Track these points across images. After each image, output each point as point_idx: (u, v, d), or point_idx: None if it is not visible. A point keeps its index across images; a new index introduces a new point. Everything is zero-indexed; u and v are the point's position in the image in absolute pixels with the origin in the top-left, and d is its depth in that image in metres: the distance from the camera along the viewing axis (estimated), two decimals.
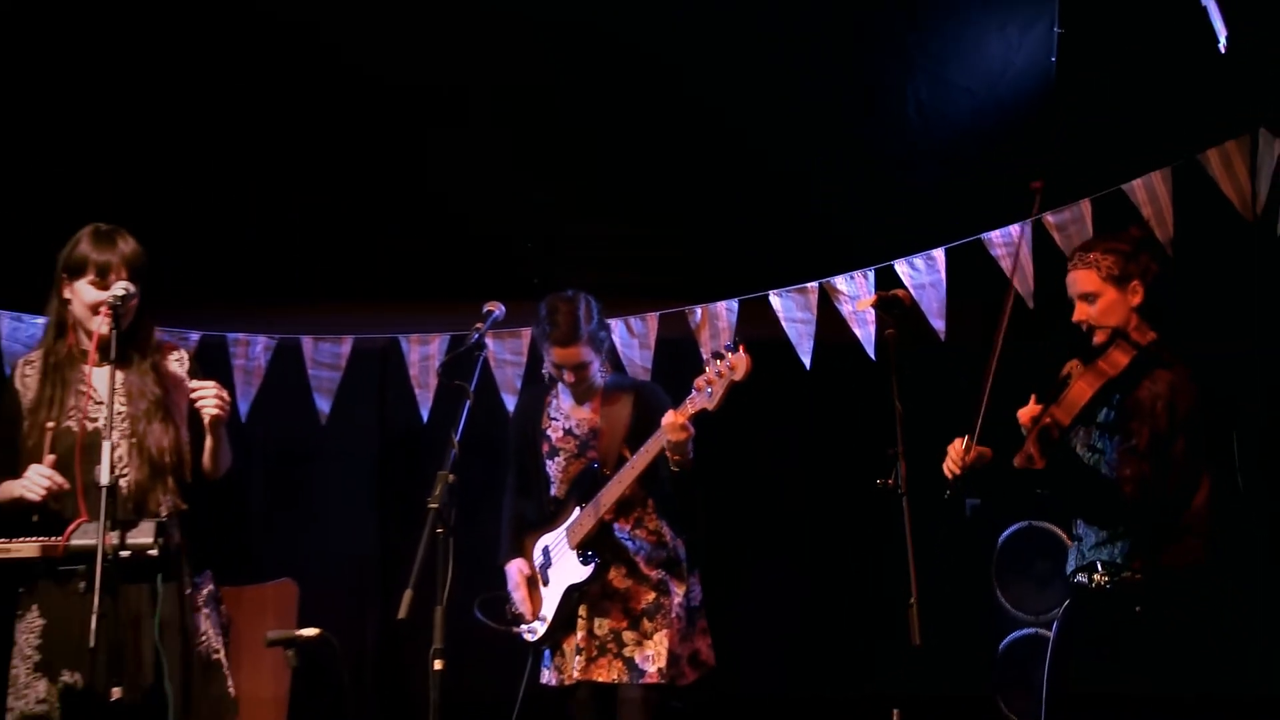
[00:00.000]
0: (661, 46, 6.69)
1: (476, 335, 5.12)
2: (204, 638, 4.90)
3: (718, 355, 5.29)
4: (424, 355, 6.80)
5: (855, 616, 6.82)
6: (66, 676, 4.74)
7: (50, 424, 4.83)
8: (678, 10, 6.52)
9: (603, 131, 6.88)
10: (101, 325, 4.76)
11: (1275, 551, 5.87)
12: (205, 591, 4.99)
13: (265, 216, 6.91)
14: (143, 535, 4.70)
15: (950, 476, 4.82)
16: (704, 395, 5.13)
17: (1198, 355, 5.28)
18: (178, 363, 5.06)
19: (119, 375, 4.93)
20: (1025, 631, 6.13)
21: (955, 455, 4.80)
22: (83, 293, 4.79)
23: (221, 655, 4.94)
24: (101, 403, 4.95)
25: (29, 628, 4.65)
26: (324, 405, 6.74)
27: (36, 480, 4.55)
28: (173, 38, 6.83)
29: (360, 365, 6.88)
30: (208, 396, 4.71)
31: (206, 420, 4.74)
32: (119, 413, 4.92)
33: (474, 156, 6.93)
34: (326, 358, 6.79)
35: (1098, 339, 4.88)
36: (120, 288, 4.65)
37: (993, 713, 6.31)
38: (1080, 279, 4.85)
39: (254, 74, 6.85)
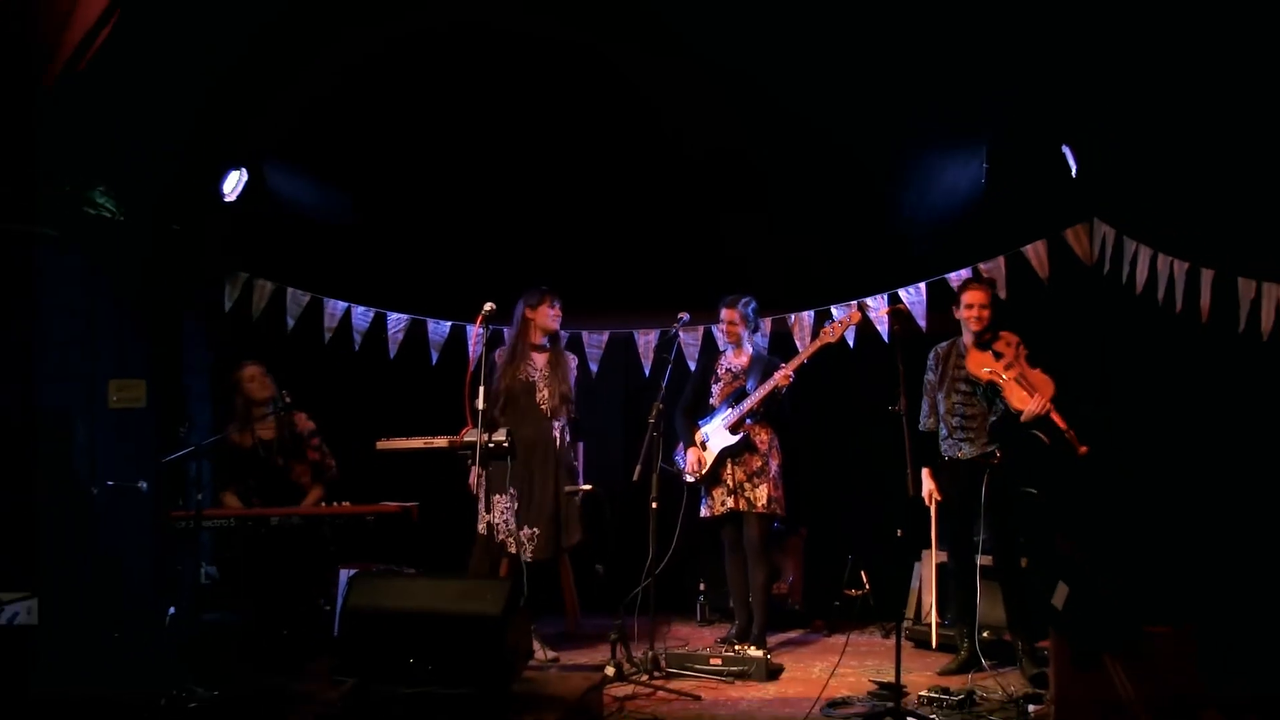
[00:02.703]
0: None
1: (674, 329, 6.60)
2: (576, 493, 6.50)
3: (831, 318, 6.54)
4: (646, 341, 7.76)
5: (876, 479, 7.05)
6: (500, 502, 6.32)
7: (506, 381, 6.40)
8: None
9: (749, 213, 7.47)
10: (552, 324, 6.45)
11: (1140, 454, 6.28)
12: (577, 465, 6.63)
13: (567, 262, 7.34)
14: (500, 436, 6.25)
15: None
16: (830, 333, 6.25)
17: (1063, 344, 6.36)
18: (569, 355, 6.66)
19: (545, 357, 6.56)
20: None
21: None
22: (541, 316, 6.42)
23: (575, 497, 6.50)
24: (539, 369, 6.45)
25: (482, 482, 6.26)
26: (594, 367, 7.81)
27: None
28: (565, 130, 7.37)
29: (613, 346, 7.91)
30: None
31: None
32: (544, 376, 6.49)
33: (679, 219, 7.57)
34: (595, 342, 7.88)
35: (975, 328, 5.88)
36: (488, 305, 6.12)
37: None
38: (980, 295, 5.97)
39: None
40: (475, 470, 6.16)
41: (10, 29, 5.20)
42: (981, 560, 5.96)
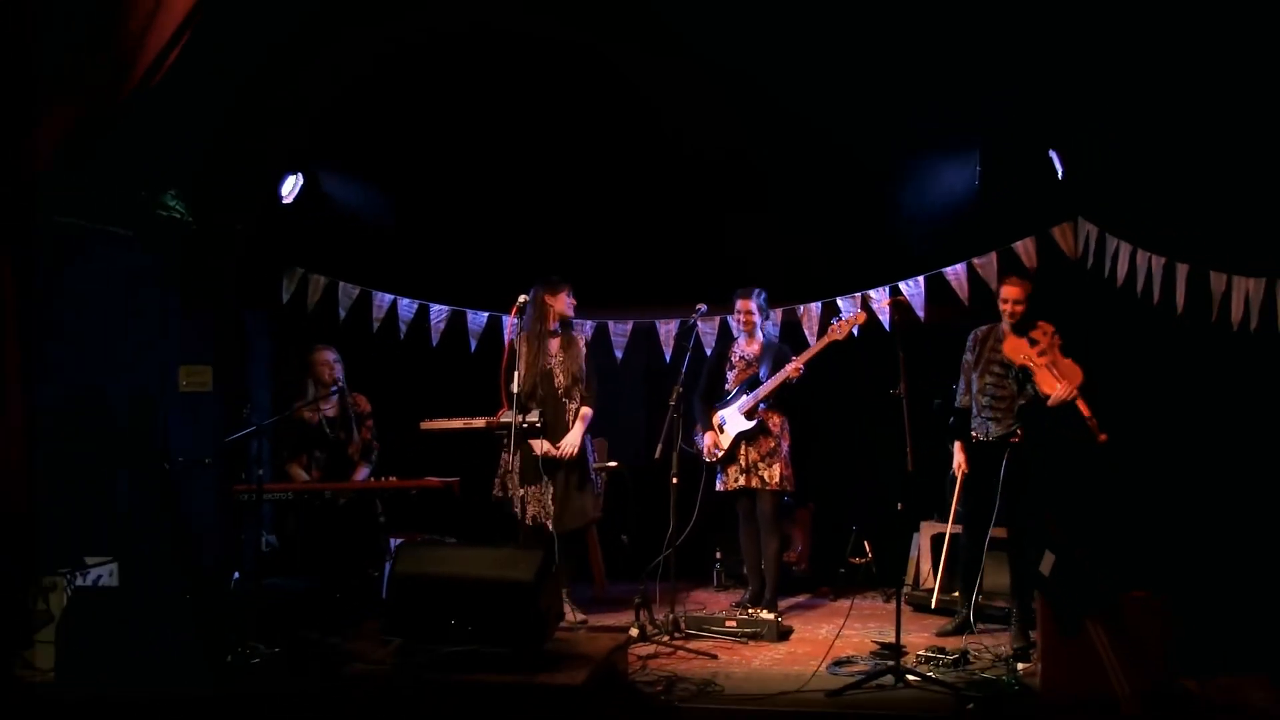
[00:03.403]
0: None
1: (693, 319, 6.64)
2: (592, 471, 6.51)
3: (839, 315, 6.62)
4: (667, 330, 7.79)
5: (878, 456, 7.25)
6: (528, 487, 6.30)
7: (527, 368, 6.31)
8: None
9: (761, 211, 7.40)
10: (569, 311, 6.34)
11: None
12: (591, 444, 6.57)
13: (594, 259, 7.34)
14: (533, 416, 6.25)
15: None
16: (838, 331, 6.33)
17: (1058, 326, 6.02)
18: (581, 335, 6.60)
19: (558, 341, 6.50)
20: None
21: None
22: (560, 302, 6.34)
23: (594, 476, 6.52)
24: (554, 355, 6.38)
25: (513, 463, 6.22)
26: (618, 354, 7.88)
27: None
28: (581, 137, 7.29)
29: (636, 334, 7.92)
30: None
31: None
32: (559, 360, 6.44)
33: (689, 219, 7.55)
34: (620, 331, 7.90)
35: (1009, 321, 5.89)
36: (521, 298, 6.16)
37: None
38: (1014, 290, 5.92)
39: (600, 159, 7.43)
40: (506, 456, 6.20)
41: (92, 48, 5.30)
42: (994, 532, 6.00)
